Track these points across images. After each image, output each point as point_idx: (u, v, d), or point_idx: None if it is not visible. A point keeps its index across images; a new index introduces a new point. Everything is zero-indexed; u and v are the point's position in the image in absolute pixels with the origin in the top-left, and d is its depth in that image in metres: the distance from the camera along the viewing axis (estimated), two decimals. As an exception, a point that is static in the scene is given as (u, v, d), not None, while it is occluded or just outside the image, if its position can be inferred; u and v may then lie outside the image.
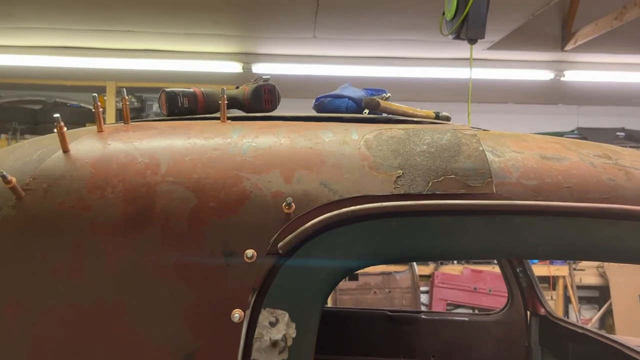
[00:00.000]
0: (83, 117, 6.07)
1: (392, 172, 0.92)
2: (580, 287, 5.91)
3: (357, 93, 1.28)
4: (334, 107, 1.23)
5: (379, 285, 5.88)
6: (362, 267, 0.90)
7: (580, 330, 2.23)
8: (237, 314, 0.79)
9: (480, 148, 0.97)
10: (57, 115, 0.89)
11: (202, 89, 1.19)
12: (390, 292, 5.83)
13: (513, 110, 6.88)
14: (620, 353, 1.94)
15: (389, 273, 5.86)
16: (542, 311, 2.44)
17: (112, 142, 0.94)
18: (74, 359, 0.80)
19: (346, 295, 5.80)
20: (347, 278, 5.96)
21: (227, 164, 0.90)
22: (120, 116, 6.46)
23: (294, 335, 0.82)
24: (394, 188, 0.90)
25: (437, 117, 1.37)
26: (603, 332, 2.40)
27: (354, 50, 5.15)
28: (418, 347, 2.51)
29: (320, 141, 0.96)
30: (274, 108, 1.18)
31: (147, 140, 0.95)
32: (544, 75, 5.54)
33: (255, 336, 0.81)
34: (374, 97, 1.12)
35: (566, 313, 5.90)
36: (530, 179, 0.95)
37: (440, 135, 0.99)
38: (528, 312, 2.47)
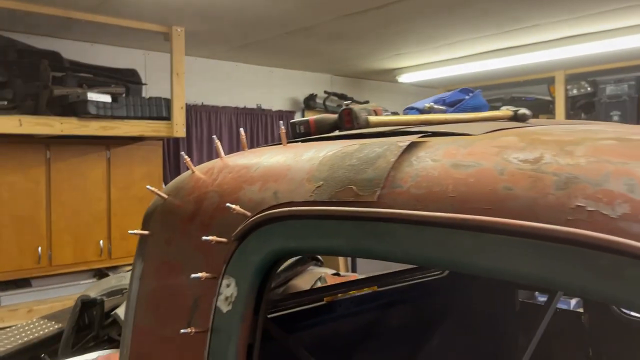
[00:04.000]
0: (539, 108, 6.40)
1: (316, 183, 1.11)
2: None
3: (424, 103, 1.33)
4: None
5: None
6: (287, 257, 1.14)
7: None
8: (199, 274, 1.23)
9: (392, 159, 1.01)
10: (182, 152, 1.51)
11: (314, 117, 1.57)
12: None
13: None
14: None
15: None
16: None
17: (220, 163, 1.45)
18: None
19: None
20: None
21: (251, 178, 1.30)
22: (572, 106, 6.43)
23: (236, 295, 1.19)
24: (309, 196, 1.11)
25: (515, 116, 1.25)
26: None
27: None
28: None
29: (299, 158, 1.23)
30: (353, 127, 1.44)
31: (233, 159, 1.44)
32: None
33: (219, 292, 1.23)
34: (365, 116, 1.22)
35: None
36: (421, 187, 0.94)
37: (376, 149, 1.08)
38: None
